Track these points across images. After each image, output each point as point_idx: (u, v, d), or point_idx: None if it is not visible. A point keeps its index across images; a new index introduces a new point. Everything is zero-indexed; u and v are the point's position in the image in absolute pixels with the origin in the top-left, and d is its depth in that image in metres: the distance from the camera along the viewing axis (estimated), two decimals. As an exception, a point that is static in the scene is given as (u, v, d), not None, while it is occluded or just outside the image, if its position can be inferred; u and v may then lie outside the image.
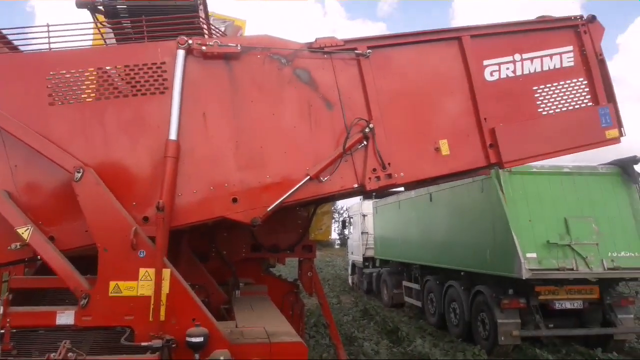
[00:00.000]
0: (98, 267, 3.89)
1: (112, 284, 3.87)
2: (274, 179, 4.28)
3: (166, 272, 3.91)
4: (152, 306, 3.83)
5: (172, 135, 4.09)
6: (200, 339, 3.70)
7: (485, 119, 4.70)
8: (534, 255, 8.90)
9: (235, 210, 4.20)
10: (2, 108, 4.02)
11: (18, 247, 3.97)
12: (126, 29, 4.82)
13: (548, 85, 4.95)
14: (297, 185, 4.26)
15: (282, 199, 4.22)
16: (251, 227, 4.32)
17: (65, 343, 3.58)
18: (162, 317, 3.85)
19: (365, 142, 4.44)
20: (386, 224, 16.85)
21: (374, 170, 4.44)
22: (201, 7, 4.85)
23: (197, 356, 3.72)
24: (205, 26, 4.71)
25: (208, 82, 4.31)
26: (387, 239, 16.78)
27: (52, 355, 3.48)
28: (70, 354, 3.53)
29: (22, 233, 3.89)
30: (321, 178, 4.32)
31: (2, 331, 3.75)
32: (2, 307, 3.81)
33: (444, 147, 4.61)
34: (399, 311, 15.30)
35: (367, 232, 19.14)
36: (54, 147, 4.00)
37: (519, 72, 4.90)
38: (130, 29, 4.75)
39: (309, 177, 4.28)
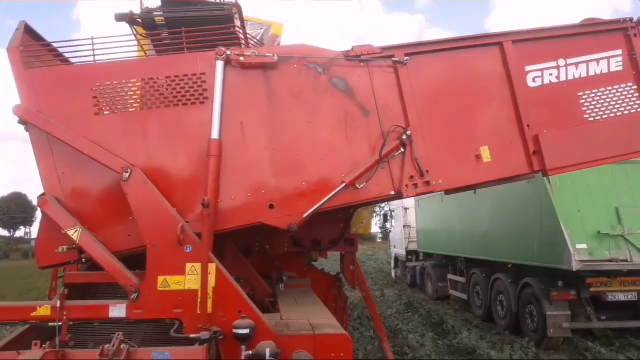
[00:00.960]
0: (146, 262, 4.02)
1: (160, 278, 3.99)
2: (310, 185, 4.31)
3: (212, 267, 4.00)
4: (199, 299, 3.93)
5: (214, 135, 4.17)
6: (246, 331, 3.76)
7: (528, 125, 4.57)
8: (584, 246, 8.65)
9: (271, 216, 4.26)
10: (51, 117, 4.19)
11: (65, 250, 4.13)
12: (164, 39, 4.90)
13: (594, 91, 4.76)
14: (333, 192, 4.27)
15: (317, 205, 4.25)
16: (287, 232, 4.37)
17: (118, 335, 3.72)
18: (209, 310, 3.93)
19: (402, 149, 4.39)
20: (429, 216, 16.67)
21: (411, 177, 4.39)
22: (236, 15, 4.89)
23: (243, 347, 3.79)
24: (241, 35, 4.76)
25: (245, 91, 4.37)
26: (430, 232, 16.60)
27: (106, 346, 3.62)
28: (123, 345, 3.66)
29: (72, 234, 4.05)
30: (357, 185, 4.31)
31: (60, 323, 3.93)
32: (58, 301, 4.00)
33: (485, 153, 4.51)
34: (443, 304, 15.14)
35: (409, 225, 19.03)
36: (101, 150, 4.16)
37: (562, 78, 4.72)
38: (168, 40, 4.83)
39: (344, 184, 4.28)
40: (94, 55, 4.39)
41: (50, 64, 4.54)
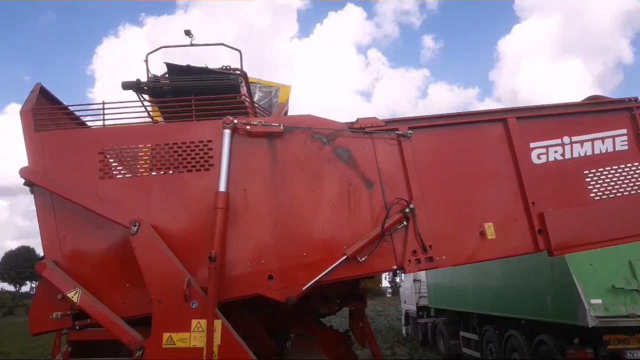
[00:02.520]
0: (152, 318, 3.96)
1: (165, 335, 3.93)
2: (311, 257, 4.27)
3: (217, 323, 3.94)
4: (204, 358, 3.84)
5: (222, 187, 4.21)
6: (252, 392, 3.66)
7: (533, 203, 4.56)
8: (599, 301, 8.41)
9: (270, 288, 4.21)
10: (58, 179, 4.26)
11: (59, 316, 4.14)
12: (172, 107, 5.00)
13: (600, 170, 4.77)
14: (334, 265, 4.22)
15: (317, 278, 4.19)
16: (285, 304, 4.29)
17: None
18: (215, 369, 3.84)
19: (405, 223, 4.37)
20: (439, 271, 16.38)
21: (414, 252, 4.34)
22: (242, 84, 5.01)
23: (249, 409, 3.67)
24: (248, 104, 4.85)
25: (251, 160, 4.43)
26: (441, 287, 16.29)
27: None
28: (125, 407, 3.56)
29: (72, 297, 4.05)
30: (359, 258, 4.25)
31: (62, 383, 3.85)
32: (62, 360, 3.92)
33: (489, 230, 4.48)
34: (456, 363, 14.64)
35: (420, 280, 18.68)
36: (109, 206, 4.20)
37: (568, 156, 4.76)
38: (176, 108, 4.92)
39: (346, 256, 4.23)
40: (104, 120, 4.53)
41: (61, 127, 4.64)
